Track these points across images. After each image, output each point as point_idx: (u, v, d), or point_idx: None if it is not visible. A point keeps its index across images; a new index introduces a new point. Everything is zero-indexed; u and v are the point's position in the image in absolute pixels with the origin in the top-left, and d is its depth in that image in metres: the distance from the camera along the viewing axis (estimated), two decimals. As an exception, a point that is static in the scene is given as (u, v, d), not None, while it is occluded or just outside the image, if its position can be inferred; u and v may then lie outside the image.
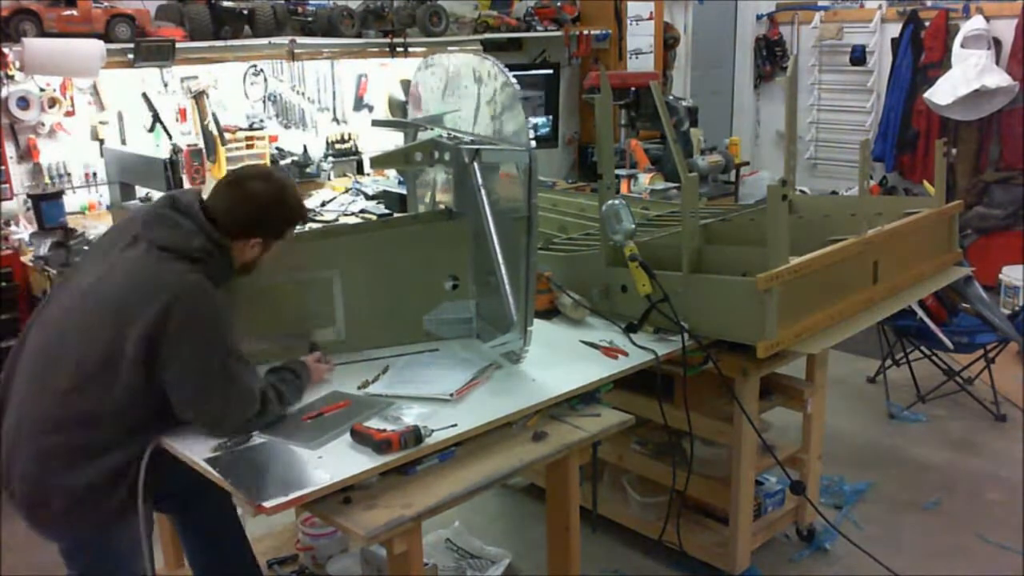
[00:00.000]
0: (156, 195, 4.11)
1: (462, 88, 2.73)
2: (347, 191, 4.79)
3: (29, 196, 3.88)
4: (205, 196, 2.20)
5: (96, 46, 3.76)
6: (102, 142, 4.18)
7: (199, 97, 4.43)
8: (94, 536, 2.09)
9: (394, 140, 4.49)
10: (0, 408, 2.10)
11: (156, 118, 4.29)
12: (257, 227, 2.18)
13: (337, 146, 5.02)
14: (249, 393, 2.06)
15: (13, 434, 2.04)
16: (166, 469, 2.09)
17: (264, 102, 4.74)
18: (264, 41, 4.43)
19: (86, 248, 3.77)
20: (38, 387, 2.03)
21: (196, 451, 2.03)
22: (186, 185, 4.31)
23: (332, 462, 1.96)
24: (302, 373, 2.28)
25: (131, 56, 3.95)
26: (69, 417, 1.99)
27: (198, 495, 2.36)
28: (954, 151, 6.32)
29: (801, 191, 4.86)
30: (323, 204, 4.55)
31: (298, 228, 2.36)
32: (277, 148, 4.78)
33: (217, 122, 4.46)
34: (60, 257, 3.51)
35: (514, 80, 2.34)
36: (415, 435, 2.00)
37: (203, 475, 1.98)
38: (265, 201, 2.17)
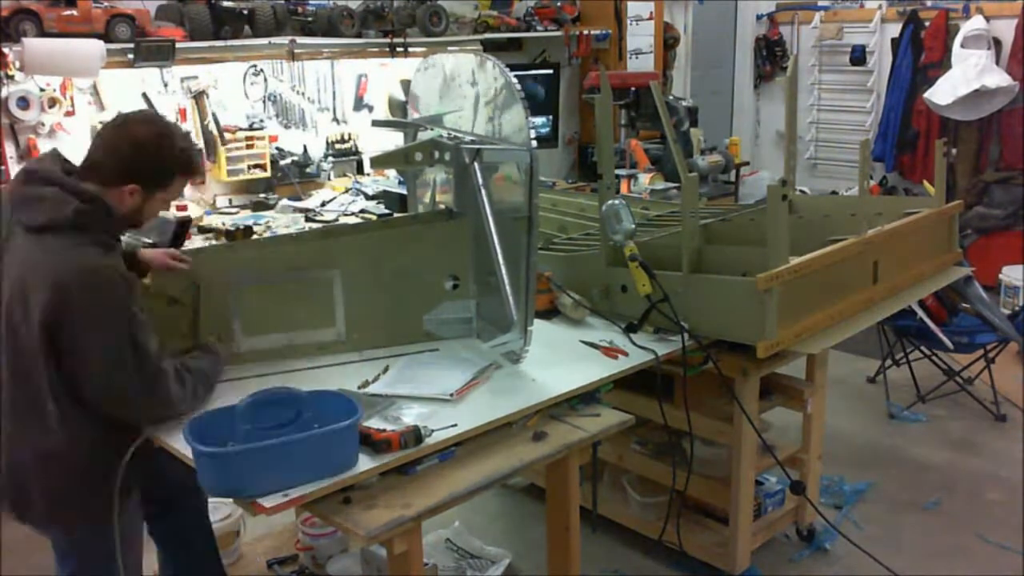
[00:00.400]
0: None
1: (462, 88, 2.73)
2: (347, 191, 4.79)
3: (29, 196, 3.87)
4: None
5: (96, 46, 3.76)
6: (102, 142, 4.17)
7: (199, 97, 4.43)
8: (83, 534, 2.09)
9: (394, 140, 4.49)
10: None
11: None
12: (130, 172, 2.01)
13: (337, 146, 5.02)
14: (156, 367, 1.99)
15: None
16: (155, 469, 2.09)
17: (264, 102, 4.74)
18: (264, 41, 4.42)
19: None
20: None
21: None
22: (186, 185, 4.31)
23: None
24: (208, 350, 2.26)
25: (131, 56, 3.95)
26: (24, 416, 1.99)
27: (182, 497, 2.37)
28: (954, 151, 6.32)
29: (801, 191, 4.87)
30: (323, 204, 4.55)
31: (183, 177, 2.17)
32: (277, 148, 4.77)
33: (217, 122, 4.46)
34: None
35: (515, 80, 2.34)
36: (415, 435, 2.00)
37: (188, 479, 1.97)
38: (143, 143, 2.01)
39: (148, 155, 2.02)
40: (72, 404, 1.98)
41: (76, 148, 4.09)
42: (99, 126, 4.05)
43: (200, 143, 4.45)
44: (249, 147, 4.55)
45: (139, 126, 2.03)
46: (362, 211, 4.49)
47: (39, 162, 2.04)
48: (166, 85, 4.35)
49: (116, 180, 2.00)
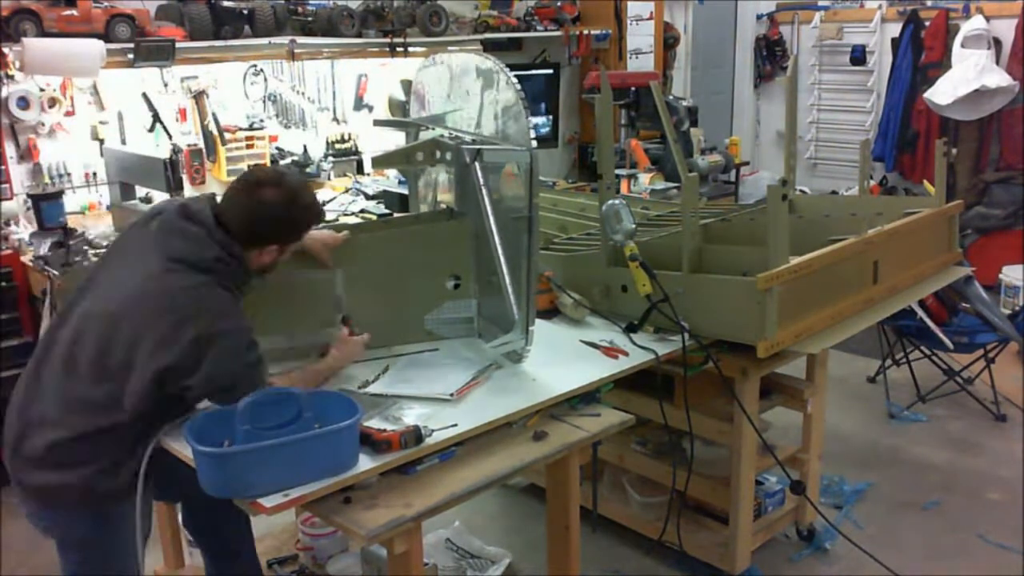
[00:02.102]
0: (156, 195, 4.13)
1: (464, 88, 2.73)
2: (347, 191, 4.80)
3: (29, 196, 3.88)
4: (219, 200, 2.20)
5: (96, 46, 3.76)
6: (102, 142, 4.17)
7: (199, 97, 4.43)
8: (94, 527, 2.09)
9: (394, 140, 4.49)
10: (27, 399, 2.13)
11: (156, 118, 4.29)
12: (271, 235, 2.15)
13: (337, 146, 5.02)
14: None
15: (30, 420, 2.08)
16: (169, 461, 2.09)
17: (264, 102, 4.74)
18: (264, 41, 4.42)
19: (101, 249, 3.78)
20: (59, 383, 2.07)
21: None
22: (186, 185, 4.31)
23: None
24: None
25: (131, 56, 3.95)
26: (79, 412, 2.03)
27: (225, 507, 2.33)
28: (954, 151, 6.31)
29: (801, 191, 4.86)
30: (323, 204, 4.55)
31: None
32: (277, 148, 4.78)
33: (217, 122, 4.46)
34: (60, 257, 3.51)
35: (515, 80, 2.34)
36: (415, 435, 2.00)
37: None
38: (279, 210, 2.12)
39: (284, 220, 2.14)
40: (133, 411, 2.02)
41: (76, 148, 4.16)
42: (100, 126, 4.17)
43: (200, 143, 4.46)
44: (249, 147, 4.55)
45: (268, 191, 2.11)
46: (362, 211, 4.49)
47: (195, 202, 2.15)
48: (166, 85, 4.35)
49: (255, 244, 2.13)
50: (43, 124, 4.01)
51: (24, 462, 2.07)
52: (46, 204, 3.77)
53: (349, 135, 5.05)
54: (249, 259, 2.14)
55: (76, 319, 2.08)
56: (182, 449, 2.02)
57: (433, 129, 2.90)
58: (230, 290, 2.09)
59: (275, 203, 2.11)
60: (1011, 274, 5.50)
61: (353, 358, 2.41)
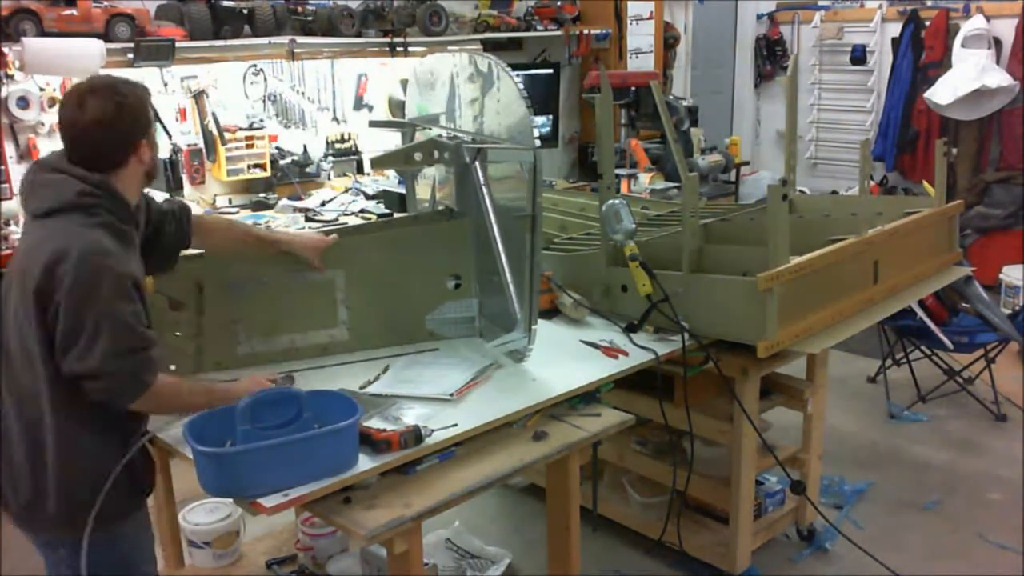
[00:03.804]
0: (156, 195, 4.11)
1: (463, 88, 2.73)
2: (347, 191, 4.79)
3: (29, 196, 3.87)
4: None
5: (96, 46, 3.76)
6: (102, 142, 4.16)
7: (199, 97, 4.43)
8: (93, 539, 1.98)
9: (394, 140, 4.48)
10: None
11: (156, 118, 4.28)
12: (127, 139, 1.97)
13: (337, 146, 5.01)
14: (150, 351, 1.91)
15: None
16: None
17: (264, 102, 4.74)
18: (264, 41, 4.42)
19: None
20: (10, 388, 1.98)
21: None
22: (186, 185, 4.31)
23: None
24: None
25: (131, 56, 3.95)
26: (29, 414, 1.94)
27: None
28: (954, 151, 6.32)
29: (801, 191, 4.86)
30: (323, 204, 4.55)
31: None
32: (277, 148, 4.77)
33: (217, 122, 4.46)
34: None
35: (517, 79, 2.34)
36: (415, 435, 2.00)
37: None
38: (111, 106, 1.93)
39: (123, 114, 1.96)
40: (70, 403, 1.91)
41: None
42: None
43: (200, 143, 4.46)
44: (249, 147, 4.54)
45: (90, 99, 1.93)
46: (362, 211, 4.49)
47: (48, 155, 2.02)
48: (166, 85, 4.34)
49: (116, 160, 1.97)
50: (43, 124, 4.01)
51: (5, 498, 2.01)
52: (46, 204, 3.76)
53: (349, 135, 5.05)
54: (122, 181, 1.98)
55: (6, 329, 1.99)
56: (180, 448, 2.02)
57: (430, 129, 2.90)
58: (116, 229, 1.93)
59: (104, 104, 1.92)
60: (1011, 274, 5.50)
61: (252, 390, 2.08)
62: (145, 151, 2.01)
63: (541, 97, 5.80)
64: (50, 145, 4.06)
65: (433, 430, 2.04)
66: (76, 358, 1.85)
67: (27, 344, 1.91)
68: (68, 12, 3.77)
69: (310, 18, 4.62)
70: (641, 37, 6.24)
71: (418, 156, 2.75)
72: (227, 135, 4.47)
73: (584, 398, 2.36)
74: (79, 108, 1.93)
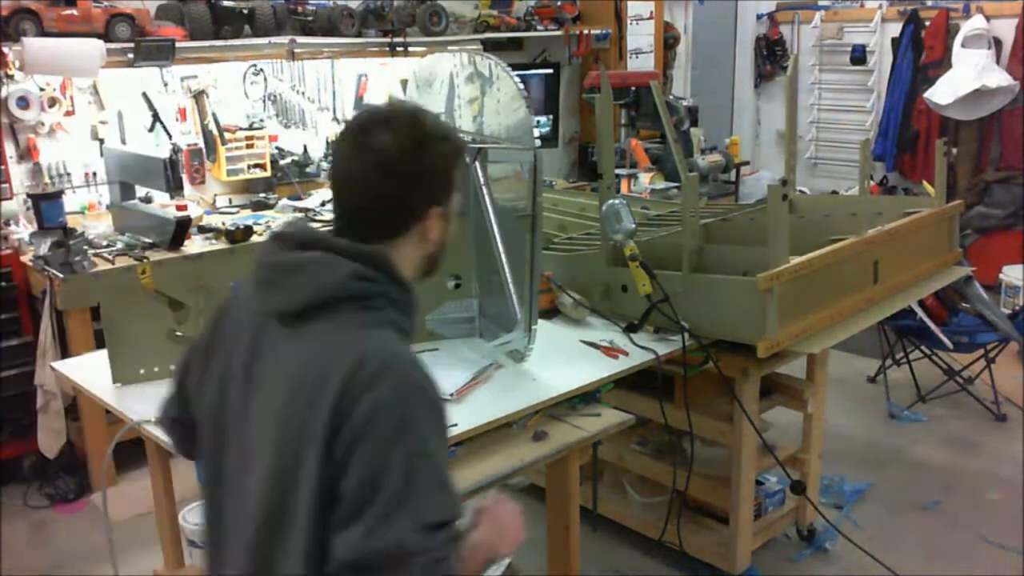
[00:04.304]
0: (156, 195, 4.13)
1: (462, 88, 2.73)
2: (347, 191, 4.79)
3: (29, 196, 3.88)
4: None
5: (96, 46, 3.76)
6: (102, 142, 4.17)
7: (199, 97, 4.43)
8: None
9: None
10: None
11: (156, 118, 4.29)
12: (416, 198, 1.37)
13: (337, 146, 5.01)
14: (450, 502, 1.27)
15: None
16: None
17: (264, 102, 4.74)
18: (264, 41, 4.42)
19: (101, 249, 3.76)
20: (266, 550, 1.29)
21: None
22: (186, 185, 4.30)
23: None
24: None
25: (131, 56, 3.95)
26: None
27: None
28: (954, 151, 6.31)
29: (801, 191, 4.86)
30: (323, 204, 4.55)
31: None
32: (277, 148, 4.78)
33: (217, 121, 4.46)
34: (60, 257, 3.51)
35: (517, 79, 2.34)
36: (415, 435, 1.99)
37: None
38: (407, 153, 1.34)
39: (420, 169, 1.36)
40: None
41: (76, 148, 4.15)
42: (99, 125, 4.17)
43: (200, 143, 4.46)
44: (249, 147, 4.55)
45: (379, 136, 1.33)
46: (362, 211, 4.48)
47: (291, 224, 1.42)
48: (166, 85, 4.35)
49: (397, 227, 1.36)
50: (43, 124, 4.01)
51: None
52: (46, 204, 3.77)
53: (349, 135, 5.05)
54: (402, 258, 1.37)
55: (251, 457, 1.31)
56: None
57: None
58: (399, 327, 1.33)
59: (397, 146, 1.33)
60: (1011, 274, 5.50)
61: (509, 548, 1.51)
62: (439, 226, 1.41)
63: (541, 97, 5.80)
64: (50, 145, 4.07)
65: (433, 430, 2.04)
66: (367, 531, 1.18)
67: (285, 497, 1.25)
68: (68, 12, 3.78)
69: (310, 18, 4.63)
70: (641, 37, 6.24)
71: (418, 156, 2.74)
72: (227, 135, 4.47)
73: (584, 398, 2.36)
74: (370, 134, 1.34)
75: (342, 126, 4.89)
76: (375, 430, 1.20)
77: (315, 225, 1.35)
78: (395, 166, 1.33)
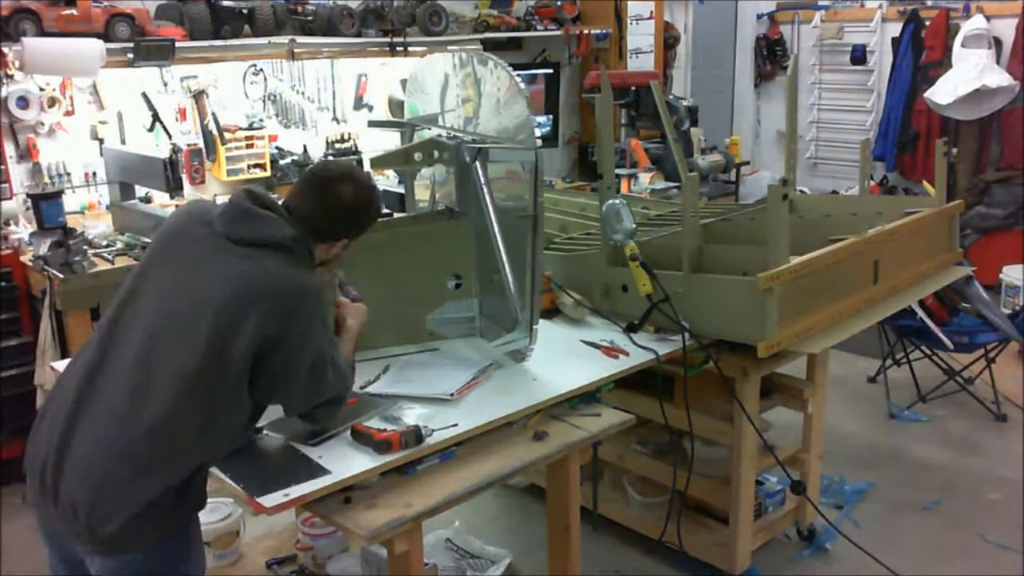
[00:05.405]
0: (156, 195, 4.13)
1: (461, 88, 2.73)
2: (347, 191, 4.78)
3: (29, 196, 3.88)
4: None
5: (96, 45, 3.76)
6: (102, 142, 4.17)
7: (199, 96, 4.43)
8: (148, 554, 1.83)
9: (394, 139, 4.48)
10: (73, 415, 1.85)
11: (156, 118, 4.29)
12: (343, 230, 2.10)
13: (337, 146, 5.01)
14: (344, 380, 2.02)
15: (93, 443, 1.81)
16: None
17: (264, 101, 4.74)
18: (264, 40, 4.42)
19: (101, 249, 3.77)
20: (133, 399, 1.81)
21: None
22: (186, 185, 4.31)
23: (332, 461, 1.96)
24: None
25: (131, 56, 3.94)
26: (160, 429, 1.78)
27: None
28: (954, 151, 6.32)
29: (801, 191, 4.87)
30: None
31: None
32: (277, 148, 4.77)
33: (217, 121, 4.46)
34: (60, 257, 3.51)
35: (518, 79, 2.34)
36: (415, 435, 2.00)
37: None
38: (354, 206, 2.08)
39: (356, 216, 2.11)
40: (220, 419, 1.85)
41: (76, 148, 4.15)
42: (99, 125, 4.17)
43: (200, 143, 4.45)
44: (249, 146, 4.55)
45: (344, 187, 2.07)
46: (362, 211, 4.48)
47: (259, 189, 2.07)
48: (166, 84, 4.35)
49: (323, 238, 2.06)
50: (43, 124, 4.01)
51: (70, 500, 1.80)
52: (46, 204, 3.77)
53: (349, 135, 5.05)
54: (316, 251, 2.07)
55: (137, 338, 1.85)
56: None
57: (428, 129, 2.90)
58: (308, 267, 2.02)
59: (351, 199, 2.06)
60: (1011, 274, 5.50)
61: (364, 323, 2.28)
62: (340, 250, 2.14)
63: (541, 97, 5.80)
64: (50, 145, 4.07)
65: (433, 430, 2.04)
66: (309, 395, 1.95)
67: (205, 380, 1.80)
68: (68, 12, 3.78)
69: (310, 18, 4.62)
70: (641, 37, 6.24)
71: (418, 156, 2.75)
72: (227, 135, 4.47)
73: (584, 398, 2.36)
74: (339, 183, 2.07)
75: (342, 124, 4.95)
76: (288, 324, 1.86)
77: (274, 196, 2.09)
78: (348, 209, 2.08)
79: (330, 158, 4.88)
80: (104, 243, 3.85)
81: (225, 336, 1.81)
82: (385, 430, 2.02)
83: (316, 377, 1.93)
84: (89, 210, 4.18)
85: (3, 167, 3.90)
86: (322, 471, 1.92)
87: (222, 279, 1.87)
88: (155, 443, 1.78)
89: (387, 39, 4.85)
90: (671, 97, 5.98)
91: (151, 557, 1.83)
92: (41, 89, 3.97)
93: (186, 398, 1.79)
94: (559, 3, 5.75)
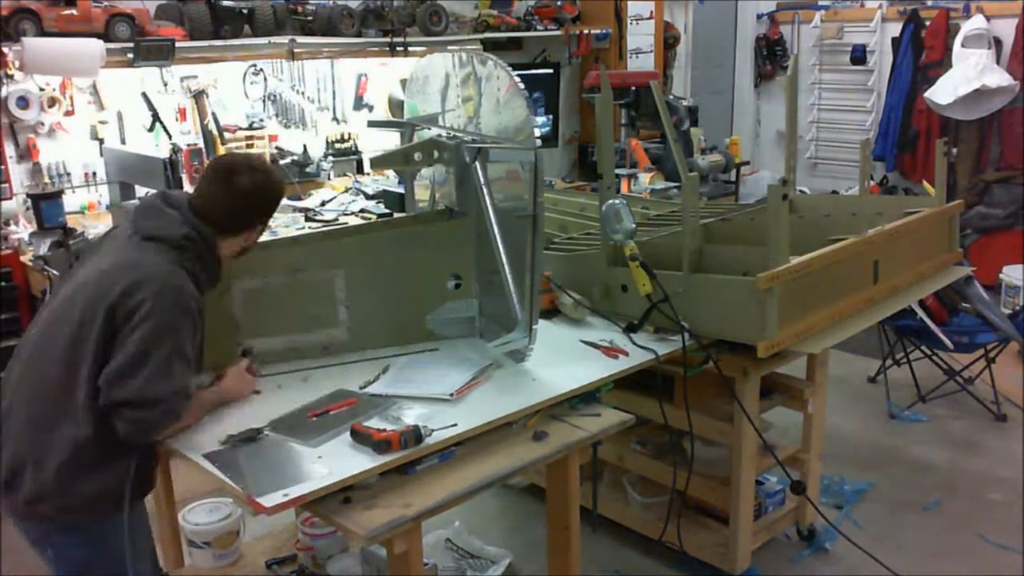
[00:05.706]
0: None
1: (461, 88, 2.73)
2: (347, 190, 4.79)
3: (29, 196, 3.88)
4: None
5: (96, 46, 3.76)
6: (102, 142, 4.17)
7: (199, 96, 4.43)
8: (85, 539, 2.05)
9: (394, 139, 4.48)
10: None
11: (156, 117, 4.29)
12: (248, 220, 2.19)
13: (337, 145, 5.02)
14: (169, 393, 1.96)
15: (8, 427, 2.02)
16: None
17: (264, 101, 4.74)
18: (264, 40, 4.42)
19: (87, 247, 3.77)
20: (32, 379, 2.02)
21: (195, 447, 2.03)
22: (186, 185, 4.31)
23: (332, 461, 1.96)
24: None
25: (131, 56, 3.95)
26: (56, 410, 1.97)
27: None
28: (954, 150, 6.32)
29: (801, 191, 4.87)
30: (323, 204, 4.55)
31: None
32: (277, 147, 4.77)
33: (217, 121, 4.46)
34: (60, 257, 3.51)
35: (518, 79, 2.34)
36: (415, 435, 2.00)
37: None
38: (255, 194, 2.16)
39: (258, 203, 2.19)
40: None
41: (76, 148, 4.15)
42: (99, 125, 4.17)
43: (200, 143, 4.45)
44: (249, 146, 4.55)
45: (242, 177, 2.15)
46: (362, 211, 4.49)
47: (175, 191, 2.24)
48: (166, 84, 4.35)
49: (230, 230, 2.16)
50: (43, 124, 4.01)
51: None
52: (46, 204, 3.77)
53: (349, 135, 5.05)
54: (222, 247, 2.17)
55: (40, 322, 2.09)
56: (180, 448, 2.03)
57: (428, 129, 2.90)
58: (196, 276, 2.09)
59: (250, 188, 2.15)
60: (1011, 274, 5.50)
61: (243, 395, 2.28)
62: (255, 234, 2.23)
63: (541, 97, 5.80)
64: (50, 145, 4.07)
65: (433, 430, 2.04)
66: (130, 387, 1.93)
67: (75, 350, 1.96)
68: (68, 12, 3.78)
69: (310, 18, 4.62)
70: (641, 37, 6.24)
71: (418, 156, 2.75)
72: (227, 135, 4.47)
73: (584, 398, 2.36)
74: (231, 174, 2.15)
75: (342, 124, 4.95)
76: (148, 314, 1.95)
77: (184, 194, 2.20)
78: (248, 197, 2.17)
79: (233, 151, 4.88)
80: (104, 243, 3.85)
81: (94, 308, 1.96)
82: (385, 430, 2.02)
83: (132, 364, 1.92)
84: (89, 210, 4.18)
85: (3, 167, 3.90)
86: (322, 471, 1.92)
87: (107, 264, 2.04)
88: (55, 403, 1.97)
89: (387, 39, 4.85)
90: (671, 97, 5.99)
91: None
92: (41, 89, 3.98)
93: (70, 368, 1.96)
94: (559, 3, 5.76)
